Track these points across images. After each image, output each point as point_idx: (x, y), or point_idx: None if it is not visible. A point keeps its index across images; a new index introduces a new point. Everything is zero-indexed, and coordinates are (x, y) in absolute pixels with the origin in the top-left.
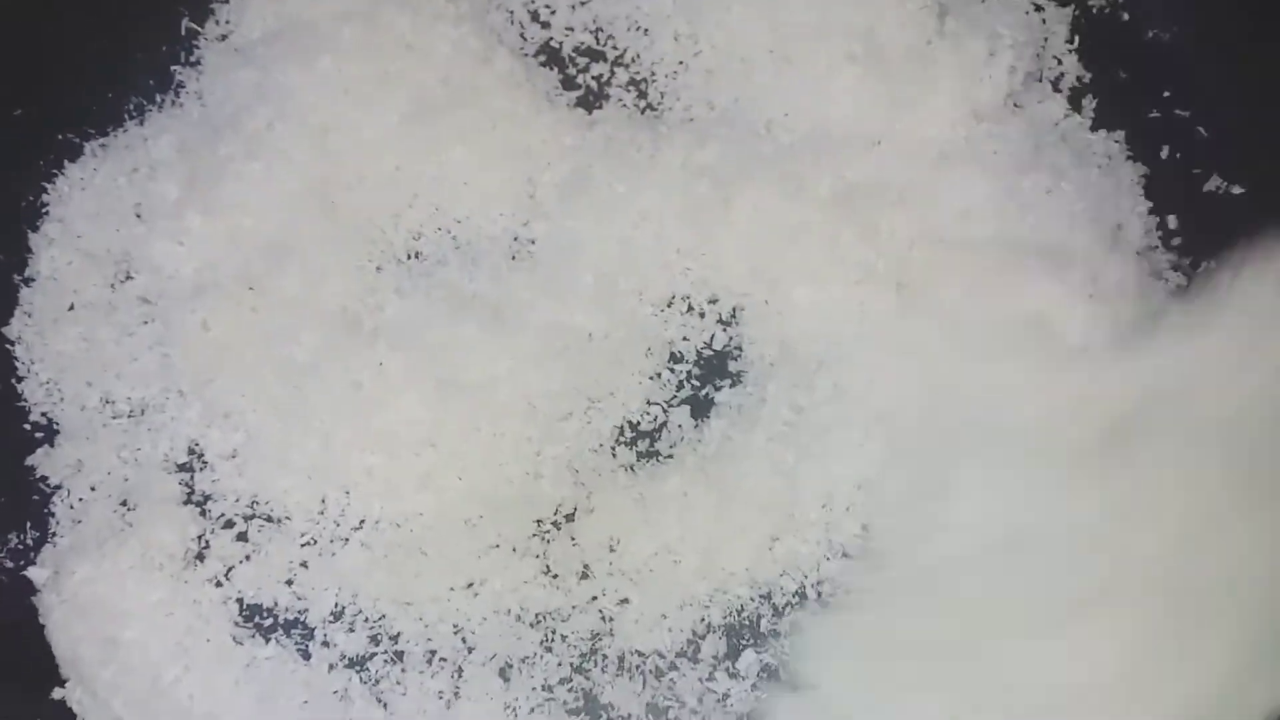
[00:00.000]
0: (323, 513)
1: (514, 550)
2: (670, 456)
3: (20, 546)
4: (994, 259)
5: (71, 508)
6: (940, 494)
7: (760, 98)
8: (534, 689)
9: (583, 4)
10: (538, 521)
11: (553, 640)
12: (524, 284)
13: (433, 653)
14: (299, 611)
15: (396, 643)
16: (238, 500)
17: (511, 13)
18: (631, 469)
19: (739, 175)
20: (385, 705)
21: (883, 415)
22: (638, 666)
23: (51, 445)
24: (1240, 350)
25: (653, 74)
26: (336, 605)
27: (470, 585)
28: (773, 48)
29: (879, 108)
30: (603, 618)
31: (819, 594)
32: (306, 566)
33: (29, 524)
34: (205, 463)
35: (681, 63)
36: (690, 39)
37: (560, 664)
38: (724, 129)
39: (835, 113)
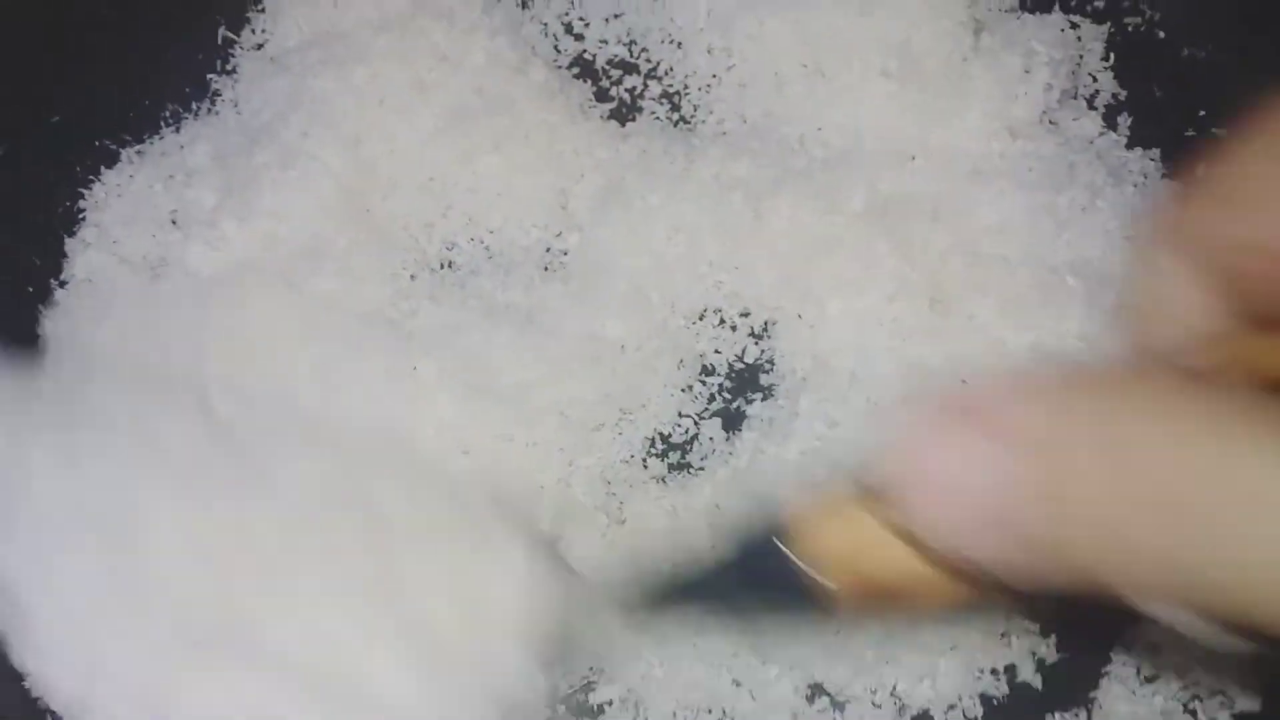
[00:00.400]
0: None
1: None
2: (702, 469)
3: None
4: (1028, 276)
5: None
6: None
7: (793, 112)
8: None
9: (616, 17)
10: None
11: None
12: (556, 295)
13: None
14: None
15: None
16: None
17: (546, 25)
18: (663, 480)
19: (772, 188)
20: None
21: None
22: None
23: None
24: None
25: (686, 87)
26: None
27: None
28: (806, 62)
29: (913, 123)
30: None
31: None
32: None
33: None
34: None
35: (714, 76)
36: (723, 52)
37: None
38: (756, 142)
39: (869, 127)
